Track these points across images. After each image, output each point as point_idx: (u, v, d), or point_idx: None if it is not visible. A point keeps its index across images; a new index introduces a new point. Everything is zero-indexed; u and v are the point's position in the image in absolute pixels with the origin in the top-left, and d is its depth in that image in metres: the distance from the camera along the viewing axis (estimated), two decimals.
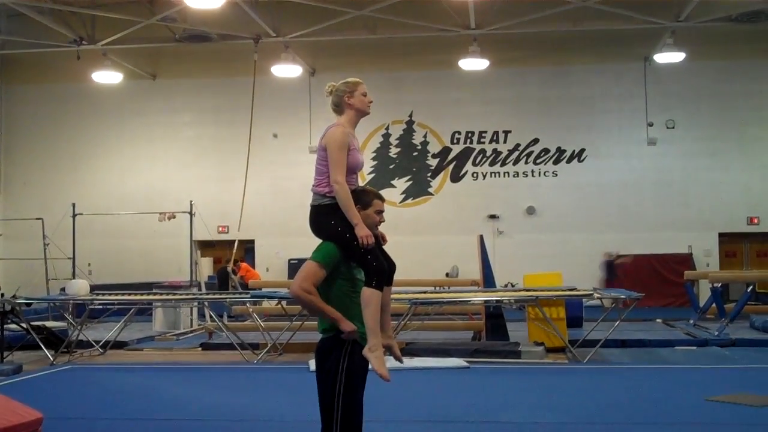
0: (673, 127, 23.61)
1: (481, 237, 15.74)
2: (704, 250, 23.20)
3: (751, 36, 22.11)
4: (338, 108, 5.17)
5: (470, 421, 8.57)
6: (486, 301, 14.10)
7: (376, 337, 4.80)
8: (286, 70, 22.32)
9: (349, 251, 4.84)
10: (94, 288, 18.12)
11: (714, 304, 16.91)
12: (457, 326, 16.01)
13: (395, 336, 13.14)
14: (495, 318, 14.47)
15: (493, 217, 23.78)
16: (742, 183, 23.30)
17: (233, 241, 19.61)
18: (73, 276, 19.84)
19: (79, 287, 17.12)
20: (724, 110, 23.49)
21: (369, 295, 4.79)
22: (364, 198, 4.98)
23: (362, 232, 4.78)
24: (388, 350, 5.01)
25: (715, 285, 16.65)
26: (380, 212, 5.04)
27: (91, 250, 23.11)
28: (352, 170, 5.03)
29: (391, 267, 5.01)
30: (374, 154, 24.21)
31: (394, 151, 24.36)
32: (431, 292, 15.45)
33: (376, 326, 4.81)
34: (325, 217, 4.94)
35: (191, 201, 19.66)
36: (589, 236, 23.25)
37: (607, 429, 8.24)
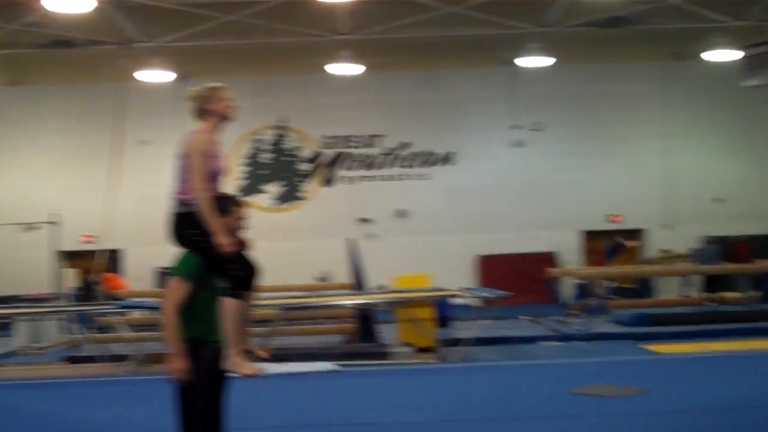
0: (539, 130, 24.22)
1: (352, 240, 15.86)
2: (568, 248, 23.90)
3: (613, 40, 22.83)
4: (199, 114, 5.13)
5: (339, 424, 8.63)
6: (356, 305, 14.21)
7: (234, 345, 4.82)
8: (155, 75, 21.93)
9: (209, 260, 4.84)
10: None
11: (577, 300, 17.49)
12: (327, 330, 16.06)
13: (268, 341, 13.14)
14: (365, 321, 14.58)
15: (364, 220, 23.93)
16: (604, 182, 24.09)
17: (99, 251, 19.18)
18: None
19: None
20: (588, 112, 24.25)
21: (228, 305, 4.82)
22: (223, 205, 4.97)
23: (222, 240, 4.78)
24: (248, 353, 5.04)
25: (578, 281, 17.21)
26: (240, 218, 5.04)
27: None
28: (213, 177, 5.01)
29: (250, 273, 5.02)
30: (245, 160, 24.05)
31: (265, 157, 24.24)
32: (302, 297, 15.47)
33: (234, 334, 4.83)
34: (186, 225, 4.92)
35: (55, 211, 19.11)
36: (459, 237, 23.66)
37: (473, 425, 8.41)
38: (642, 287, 21.96)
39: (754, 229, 22.17)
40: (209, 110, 5.10)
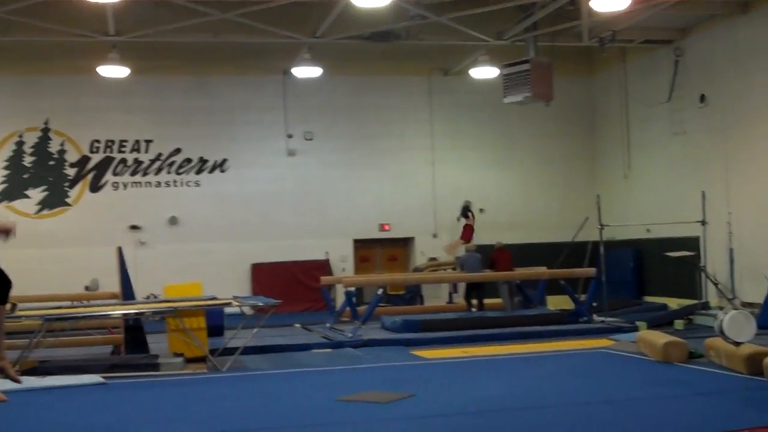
0: (312, 139, 24.48)
1: (120, 249, 15.44)
2: (341, 255, 24.26)
3: (383, 54, 23.46)
4: None
5: None
6: (125, 314, 13.87)
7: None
8: None
9: None
10: None
11: (348, 308, 17.83)
12: (95, 341, 15.56)
13: (27, 354, 12.58)
14: (134, 331, 14.26)
15: (135, 227, 23.27)
16: (374, 192, 24.65)
17: None
18: None
19: None
20: (358, 123, 24.72)
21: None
22: None
23: None
24: (2, 371, 4.84)
25: (349, 289, 17.56)
26: None
27: None
28: None
29: (4, 283, 4.82)
30: (6, 163, 22.81)
31: (28, 160, 23.07)
32: (68, 307, 14.92)
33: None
34: None
35: None
36: (232, 245, 23.50)
37: None
38: (412, 294, 22.65)
39: (514, 238, 23.38)
40: None
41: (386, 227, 24.81)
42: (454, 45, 22.54)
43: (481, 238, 22.50)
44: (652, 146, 23.31)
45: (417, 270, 23.42)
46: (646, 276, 23.42)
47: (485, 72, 22.86)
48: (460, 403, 9.53)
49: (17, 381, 4.94)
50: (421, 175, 25.01)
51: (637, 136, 23.98)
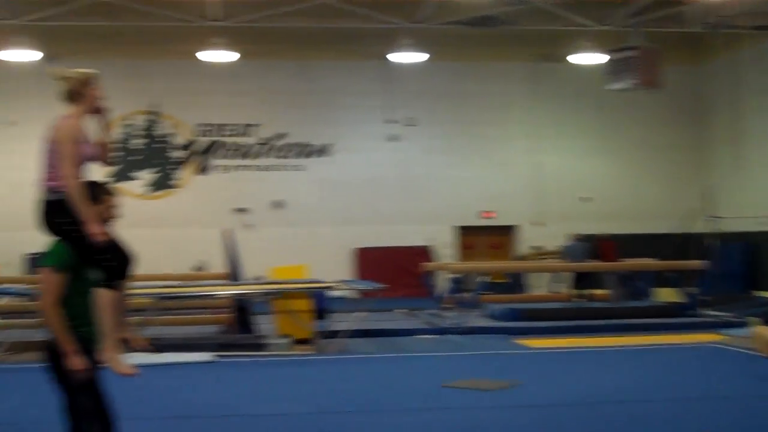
0: (413, 125, 24.48)
1: (229, 230, 15.69)
2: (443, 242, 24.24)
3: (483, 39, 23.23)
4: (70, 98, 4.93)
5: (215, 416, 8.56)
6: (233, 295, 14.09)
7: (110, 338, 4.70)
8: (21, 54, 21.16)
9: (81, 249, 4.68)
10: None
11: (452, 294, 17.76)
12: (203, 320, 15.87)
13: (140, 331, 12.88)
14: (242, 311, 14.45)
15: (241, 210, 23.69)
16: (477, 178, 24.51)
17: None
18: None
19: None
20: (460, 109, 24.60)
21: (102, 296, 4.67)
22: (94, 192, 4.80)
23: (94, 229, 4.63)
24: (127, 344, 4.93)
25: (453, 276, 17.49)
26: (112, 207, 4.91)
27: None
28: (84, 164, 4.84)
29: (125, 261, 4.89)
30: (116, 146, 23.39)
31: (137, 142, 23.68)
32: (178, 287, 15.23)
33: (110, 327, 4.70)
34: (56, 213, 4.72)
35: None
36: (336, 229, 23.69)
37: (347, 417, 8.47)
38: (514, 283, 22.46)
39: (619, 228, 22.93)
40: (78, 96, 4.90)
41: (490, 214, 24.62)
42: (556, 30, 22.16)
43: (586, 227, 22.12)
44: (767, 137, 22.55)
45: (521, 258, 23.20)
46: (758, 270, 22.69)
47: (588, 58, 22.46)
48: (566, 394, 9.39)
49: (143, 349, 5.07)
50: (524, 163, 24.75)
51: (750, 126, 23.23)
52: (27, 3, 20.03)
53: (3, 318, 15.14)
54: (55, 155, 4.72)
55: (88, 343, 4.69)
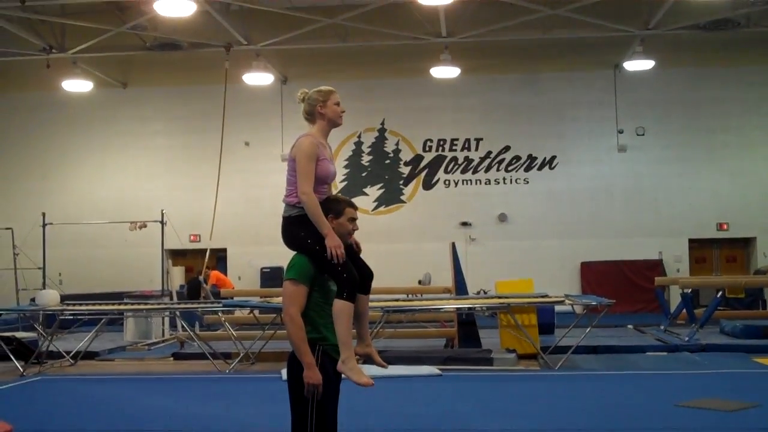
0: (643, 134, 23.81)
1: (453, 244, 15.78)
2: (674, 255, 23.37)
3: (719, 43, 22.32)
4: (310, 117, 5.12)
5: (443, 430, 8.59)
6: (458, 309, 14.16)
7: (348, 350, 4.77)
8: (258, 78, 22.25)
9: (320, 262, 4.82)
10: (64, 298, 17.98)
11: (684, 310, 17.05)
12: (429, 334, 16.02)
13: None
14: (467, 325, 14.49)
15: (465, 224, 23.84)
16: (711, 189, 23.51)
17: (205, 250, 19.52)
18: (44, 286, 19.71)
19: (50, 297, 16.99)
20: (693, 117, 23.71)
21: (340, 307, 4.77)
22: (336, 207, 4.95)
23: (332, 242, 4.75)
24: (368, 358, 5.00)
25: (686, 290, 16.79)
26: (353, 220, 5.01)
27: (62, 259, 22.95)
28: (323, 180, 4.98)
29: (367, 275, 5.00)
30: (346, 162, 24.23)
31: (366, 159, 24.38)
32: (404, 300, 15.47)
33: (348, 338, 4.78)
34: (296, 228, 4.90)
35: (162, 210, 19.58)
36: (561, 242, 23.40)
37: None
38: (752, 298, 21.27)
39: None
40: (320, 114, 5.09)
41: (723, 226, 23.52)
42: None
43: None
44: None
45: (759, 272, 21.95)
46: None
47: None
48: None
49: (384, 366, 5.10)
50: (763, 172, 23.48)
51: None
52: (262, 28, 21.04)
53: (240, 329, 15.93)
54: (295, 173, 4.89)
55: (328, 356, 4.80)
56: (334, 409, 4.90)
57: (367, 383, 4.75)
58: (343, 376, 4.86)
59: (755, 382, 11.63)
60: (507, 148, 24.11)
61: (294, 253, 4.94)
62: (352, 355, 4.79)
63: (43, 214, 19.91)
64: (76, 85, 22.78)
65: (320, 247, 4.76)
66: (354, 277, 4.82)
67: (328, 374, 4.77)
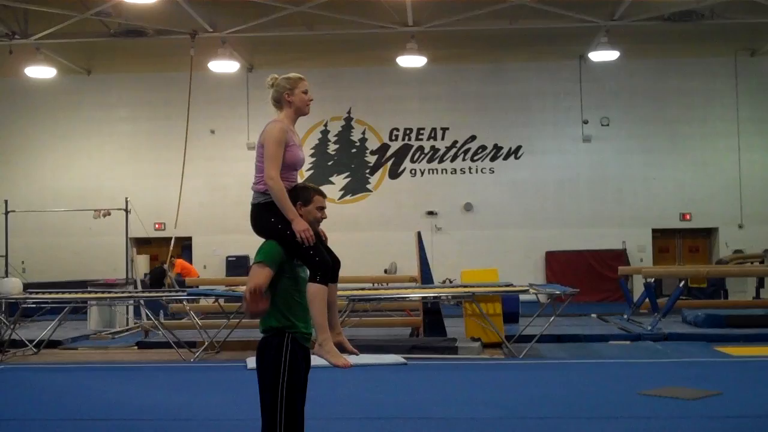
0: (608, 125, 23.98)
1: (419, 234, 15.83)
2: (638, 245, 23.61)
3: (684, 35, 22.48)
4: (278, 103, 5.12)
5: (407, 417, 8.61)
6: (423, 298, 14.20)
7: (324, 332, 4.79)
8: (223, 65, 22.12)
9: (291, 248, 4.82)
10: (27, 286, 17.80)
11: (647, 299, 17.22)
12: (395, 323, 16.06)
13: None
14: (432, 314, 14.55)
15: (431, 213, 23.90)
16: (674, 179, 23.74)
17: (170, 239, 19.42)
18: (6, 274, 19.48)
19: (12, 285, 16.83)
20: (657, 108, 23.91)
21: (314, 291, 4.78)
22: (305, 194, 4.96)
23: (299, 226, 4.76)
24: (339, 346, 5.01)
25: (649, 280, 16.94)
26: (322, 208, 5.01)
27: (25, 247, 22.74)
28: (292, 167, 4.99)
29: (335, 263, 5.01)
30: (312, 151, 24.17)
31: (332, 148, 24.35)
32: (369, 289, 15.49)
33: (323, 321, 4.80)
34: (265, 214, 4.90)
35: (126, 198, 19.43)
36: (526, 232, 23.55)
37: (541, 423, 8.33)
38: (714, 288, 21.53)
39: None
40: (287, 101, 5.09)
41: (688, 217, 23.76)
42: (763, 23, 21.09)
43: None
44: None
45: (721, 262, 22.21)
46: None
47: None
48: None
49: (355, 353, 5.12)
50: (726, 162, 23.73)
51: None
52: (228, 15, 20.91)
53: (205, 318, 15.88)
54: (262, 158, 4.89)
55: (297, 343, 4.81)
56: (302, 398, 4.91)
57: (345, 364, 4.79)
58: (312, 363, 4.88)
59: (717, 371, 11.74)
60: (473, 138, 24.17)
61: (263, 240, 4.94)
62: (328, 337, 4.81)
63: (6, 202, 19.67)
64: (40, 72, 22.52)
65: (290, 232, 4.77)
66: (326, 260, 4.84)
67: (297, 361, 4.79)
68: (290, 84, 5.10)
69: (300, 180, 5.13)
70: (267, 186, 4.82)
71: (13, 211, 19.74)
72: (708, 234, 24.18)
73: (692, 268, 20.65)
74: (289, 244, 4.80)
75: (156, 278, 20.88)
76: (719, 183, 23.67)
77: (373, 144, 24.43)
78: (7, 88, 24.70)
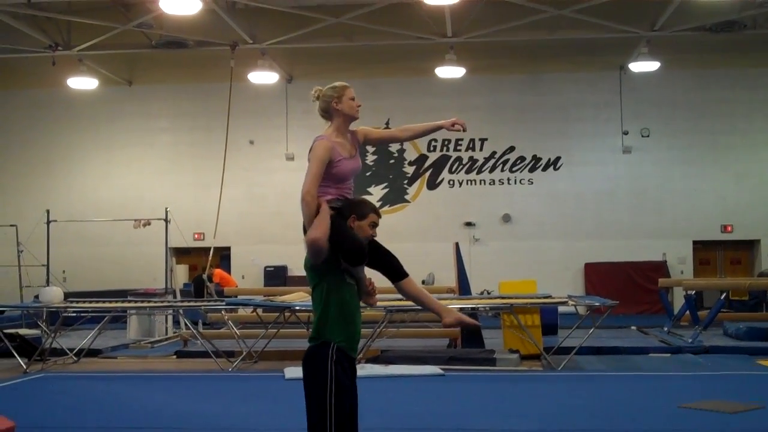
0: (648, 136, 23.78)
1: (457, 244, 15.80)
2: (678, 257, 23.36)
3: (725, 45, 22.29)
4: (326, 114, 5.12)
5: (444, 429, 8.59)
6: (461, 309, 14.11)
7: (443, 307, 5.15)
8: (263, 76, 22.28)
9: (335, 242, 4.82)
10: (68, 295, 17.94)
11: (688, 312, 17.04)
12: (432, 333, 16.00)
13: (371, 343, 13.19)
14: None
15: (469, 224, 23.84)
16: (715, 191, 23.48)
17: (209, 249, 19.53)
18: (47, 283, 19.68)
19: (53, 294, 16.96)
20: (698, 119, 23.68)
21: (409, 281, 5.17)
22: (361, 209, 4.96)
23: (311, 236, 4.73)
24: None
25: (689, 292, 16.77)
26: (374, 226, 5.02)
27: (66, 257, 22.95)
28: (342, 179, 4.99)
29: (393, 258, 5.24)
30: None
31: (370, 158, 24.35)
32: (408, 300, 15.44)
33: (433, 300, 5.22)
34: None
35: (166, 208, 19.58)
36: (565, 244, 23.39)
37: None
38: (756, 300, 21.23)
39: None
40: (336, 110, 5.08)
41: (730, 228, 23.48)
42: None
43: None
44: None
45: (763, 275, 21.91)
46: None
47: None
48: None
49: (475, 325, 5.51)
50: None
51: None
52: (268, 27, 21.06)
53: (243, 328, 15.94)
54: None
55: (343, 353, 4.83)
56: (353, 407, 4.92)
57: (474, 323, 5.31)
58: (357, 374, 4.95)
59: (758, 384, 11.60)
60: (512, 149, 24.10)
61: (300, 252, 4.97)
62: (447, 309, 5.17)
63: (48, 212, 19.90)
64: (82, 83, 22.82)
65: (336, 232, 4.78)
66: (360, 245, 4.86)
67: (345, 371, 4.78)
68: (337, 92, 5.09)
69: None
70: (302, 199, 4.81)
71: (55, 220, 19.96)
72: (750, 246, 23.87)
73: (733, 280, 20.41)
74: (334, 239, 4.77)
75: (196, 288, 21.03)
76: (761, 194, 23.36)
77: (411, 155, 24.42)
78: (50, 98, 25.02)
